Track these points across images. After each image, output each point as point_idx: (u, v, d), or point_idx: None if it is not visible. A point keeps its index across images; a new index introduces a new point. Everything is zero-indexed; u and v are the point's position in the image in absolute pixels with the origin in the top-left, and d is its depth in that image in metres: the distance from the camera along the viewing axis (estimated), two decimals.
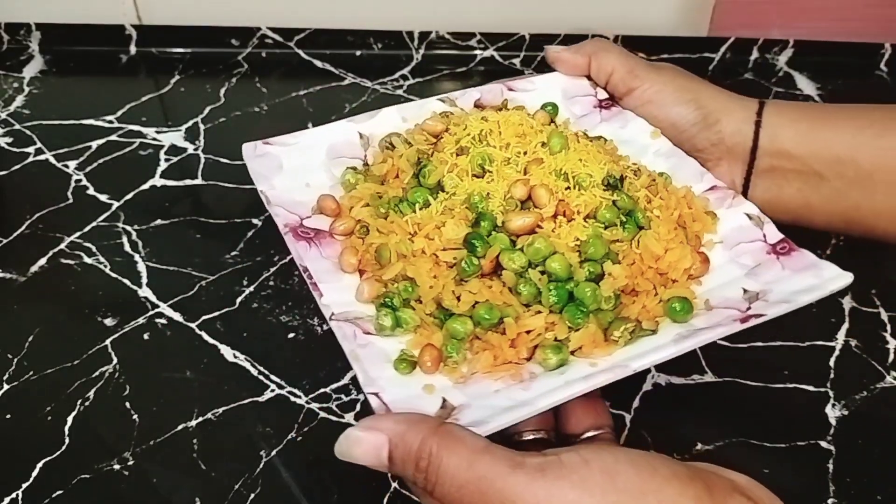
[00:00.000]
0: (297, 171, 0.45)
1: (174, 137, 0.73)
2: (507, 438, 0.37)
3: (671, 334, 0.38)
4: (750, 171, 0.47)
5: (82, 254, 0.60)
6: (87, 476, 0.46)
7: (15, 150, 0.71)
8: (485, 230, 0.39)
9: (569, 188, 0.42)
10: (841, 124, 0.44)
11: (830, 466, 0.46)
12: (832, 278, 0.40)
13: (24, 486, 0.45)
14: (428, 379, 0.36)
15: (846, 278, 0.40)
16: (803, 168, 0.45)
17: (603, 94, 0.53)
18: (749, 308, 0.39)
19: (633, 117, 0.51)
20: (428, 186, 0.42)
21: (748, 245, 0.44)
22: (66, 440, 0.48)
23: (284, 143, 0.45)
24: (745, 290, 0.41)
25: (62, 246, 0.61)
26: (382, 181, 0.45)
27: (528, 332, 0.37)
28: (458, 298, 0.38)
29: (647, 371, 0.50)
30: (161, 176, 0.68)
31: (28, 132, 0.74)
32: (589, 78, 0.54)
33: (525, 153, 0.43)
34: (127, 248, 0.61)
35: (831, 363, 0.52)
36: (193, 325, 0.55)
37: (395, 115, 0.49)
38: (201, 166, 0.69)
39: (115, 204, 0.65)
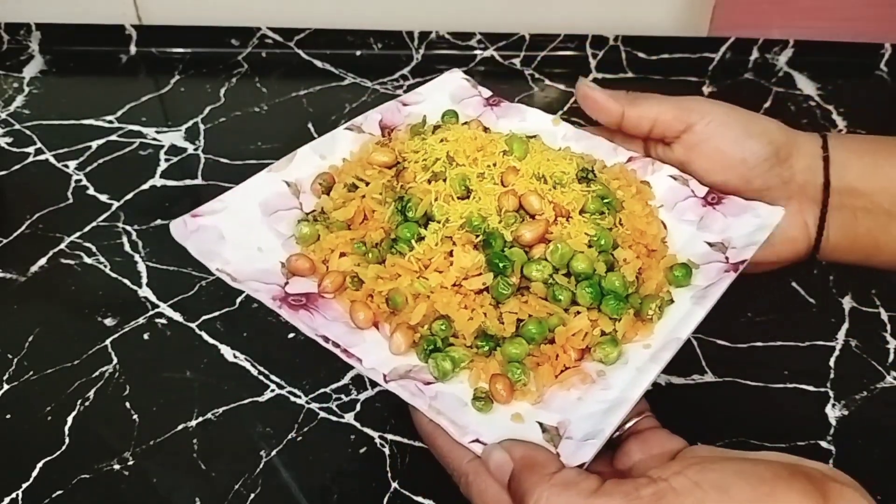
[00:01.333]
0: (240, 238, 0.41)
1: (174, 137, 0.73)
2: None
3: (686, 299, 0.40)
4: (825, 210, 0.43)
5: (82, 254, 0.60)
6: (87, 476, 0.46)
7: (15, 150, 0.71)
8: (498, 248, 0.39)
9: (552, 189, 0.42)
10: None
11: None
12: (769, 215, 0.43)
13: (24, 486, 0.45)
14: (508, 409, 0.36)
15: (779, 211, 0.43)
16: (872, 206, 0.43)
17: (487, 93, 0.52)
18: (727, 258, 0.41)
19: (527, 108, 0.50)
20: (416, 220, 0.40)
21: (684, 203, 0.45)
22: (66, 440, 0.48)
23: (213, 211, 0.41)
24: (709, 244, 0.43)
25: (62, 246, 0.61)
26: (349, 225, 0.42)
27: (573, 334, 0.38)
28: (501, 322, 0.38)
29: None
30: (161, 176, 0.68)
31: (28, 132, 0.74)
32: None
33: (495, 164, 0.42)
34: (127, 248, 0.61)
35: (831, 363, 0.52)
36: (193, 325, 0.55)
37: (312, 154, 0.46)
38: (201, 166, 0.69)
39: (115, 204, 0.65)
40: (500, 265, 0.38)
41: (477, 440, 0.33)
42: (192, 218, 0.40)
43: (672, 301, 0.40)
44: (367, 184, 0.43)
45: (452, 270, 0.38)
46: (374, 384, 0.51)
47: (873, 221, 0.43)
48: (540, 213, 0.40)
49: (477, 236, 0.39)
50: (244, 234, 0.41)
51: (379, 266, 0.39)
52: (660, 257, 0.42)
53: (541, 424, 0.35)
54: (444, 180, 0.41)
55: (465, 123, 0.49)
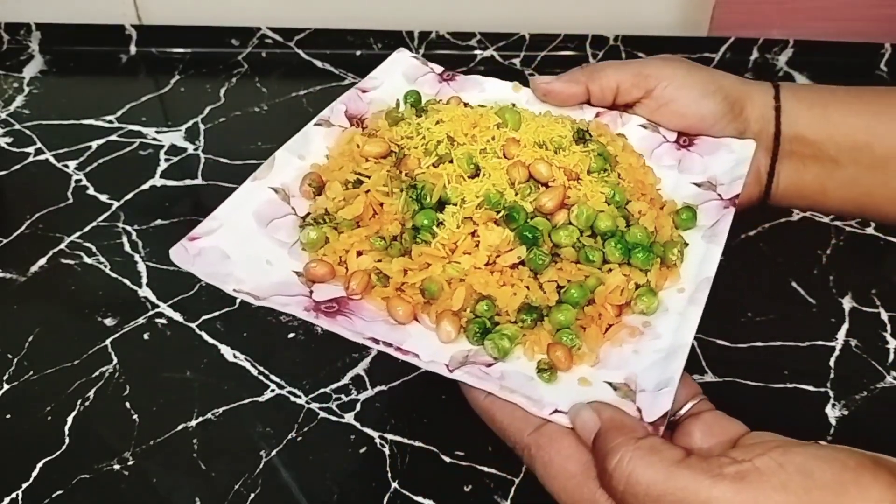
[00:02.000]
0: (245, 253, 0.39)
1: (174, 137, 0.73)
2: None
3: (698, 239, 0.42)
4: (775, 157, 0.46)
5: (82, 254, 0.60)
6: (87, 476, 0.46)
7: (15, 150, 0.71)
8: (522, 221, 0.39)
9: (555, 154, 0.42)
10: (856, 109, 0.44)
11: None
12: (742, 148, 0.45)
13: (24, 486, 0.45)
14: (570, 375, 0.36)
15: (751, 144, 0.45)
16: (819, 154, 0.45)
17: (439, 68, 0.52)
18: (720, 195, 0.43)
19: (484, 79, 0.51)
20: (431, 206, 0.40)
21: (659, 149, 0.47)
22: (66, 440, 0.48)
23: (210, 230, 0.39)
24: (697, 185, 0.45)
25: (62, 246, 0.61)
26: (358, 223, 0.41)
27: (610, 292, 0.39)
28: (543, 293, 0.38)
29: None
30: (161, 176, 0.68)
31: (28, 132, 0.74)
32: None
33: (493, 138, 0.42)
34: (127, 248, 0.61)
35: (831, 363, 0.52)
36: (193, 325, 0.55)
37: (290, 156, 0.44)
38: (201, 166, 0.69)
39: (115, 204, 0.65)
40: (532, 237, 0.38)
41: (556, 411, 0.33)
42: (190, 242, 0.38)
43: (687, 244, 0.41)
44: (368, 178, 0.42)
45: (482, 250, 0.38)
46: (374, 384, 0.51)
47: (820, 168, 0.45)
48: (551, 179, 0.41)
49: (498, 212, 0.39)
50: (247, 249, 0.40)
51: (403, 258, 0.39)
52: (660, 205, 0.44)
53: (609, 383, 0.35)
54: (451, 161, 0.41)
55: (437, 101, 0.48)
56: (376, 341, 0.35)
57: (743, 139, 0.45)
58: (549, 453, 0.32)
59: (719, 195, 0.44)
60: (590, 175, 0.42)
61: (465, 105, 0.48)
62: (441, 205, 0.40)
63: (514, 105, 0.47)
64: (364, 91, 0.49)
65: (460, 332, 0.37)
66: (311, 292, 0.38)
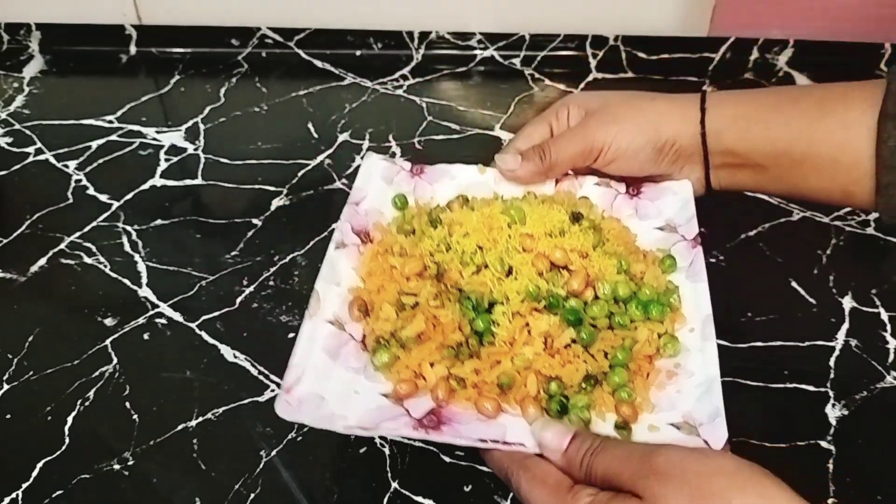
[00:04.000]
0: (335, 391, 0.42)
1: (174, 137, 0.73)
2: None
3: (683, 279, 0.47)
4: (707, 171, 0.52)
5: (82, 254, 0.60)
6: (87, 476, 0.46)
7: (15, 150, 0.71)
8: (560, 305, 0.44)
9: (561, 237, 0.47)
10: (773, 123, 0.49)
11: (830, 466, 0.46)
12: (682, 188, 0.51)
13: (24, 486, 0.45)
14: (640, 425, 0.40)
15: (687, 183, 0.52)
16: (747, 161, 0.50)
17: (407, 164, 0.55)
18: (683, 237, 0.49)
19: (451, 166, 0.54)
20: (485, 310, 0.44)
21: (616, 202, 0.53)
22: (66, 440, 0.48)
23: (298, 379, 0.41)
24: (659, 228, 0.51)
25: (62, 246, 0.61)
26: (419, 340, 0.44)
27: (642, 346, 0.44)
28: (595, 360, 0.43)
29: None
30: (161, 176, 0.68)
31: (28, 132, 0.74)
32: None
33: (510, 237, 0.46)
34: (127, 248, 0.61)
35: (831, 363, 0.52)
36: (193, 325, 0.55)
37: (329, 285, 0.46)
38: (201, 166, 0.69)
39: (115, 204, 0.65)
40: (575, 318, 0.43)
41: None
42: (288, 395, 0.40)
43: (677, 287, 0.46)
44: (415, 294, 0.45)
45: (535, 338, 0.42)
46: None
47: (751, 171, 0.51)
48: (568, 262, 0.45)
49: (540, 301, 0.43)
50: (334, 386, 0.42)
51: (473, 360, 0.42)
52: (641, 257, 0.48)
53: (672, 424, 0.40)
54: (486, 266, 0.45)
55: (443, 210, 0.51)
56: (485, 441, 0.39)
57: (679, 180, 0.52)
58: (533, 471, 0.38)
59: (683, 236, 0.49)
60: (595, 250, 0.46)
61: (466, 200, 0.51)
62: (491, 306, 0.44)
63: (502, 196, 0.52)
64: (357, 204, 0.52)
65: (543, 413, 0.41)
66: (407, 410, 0.41)
